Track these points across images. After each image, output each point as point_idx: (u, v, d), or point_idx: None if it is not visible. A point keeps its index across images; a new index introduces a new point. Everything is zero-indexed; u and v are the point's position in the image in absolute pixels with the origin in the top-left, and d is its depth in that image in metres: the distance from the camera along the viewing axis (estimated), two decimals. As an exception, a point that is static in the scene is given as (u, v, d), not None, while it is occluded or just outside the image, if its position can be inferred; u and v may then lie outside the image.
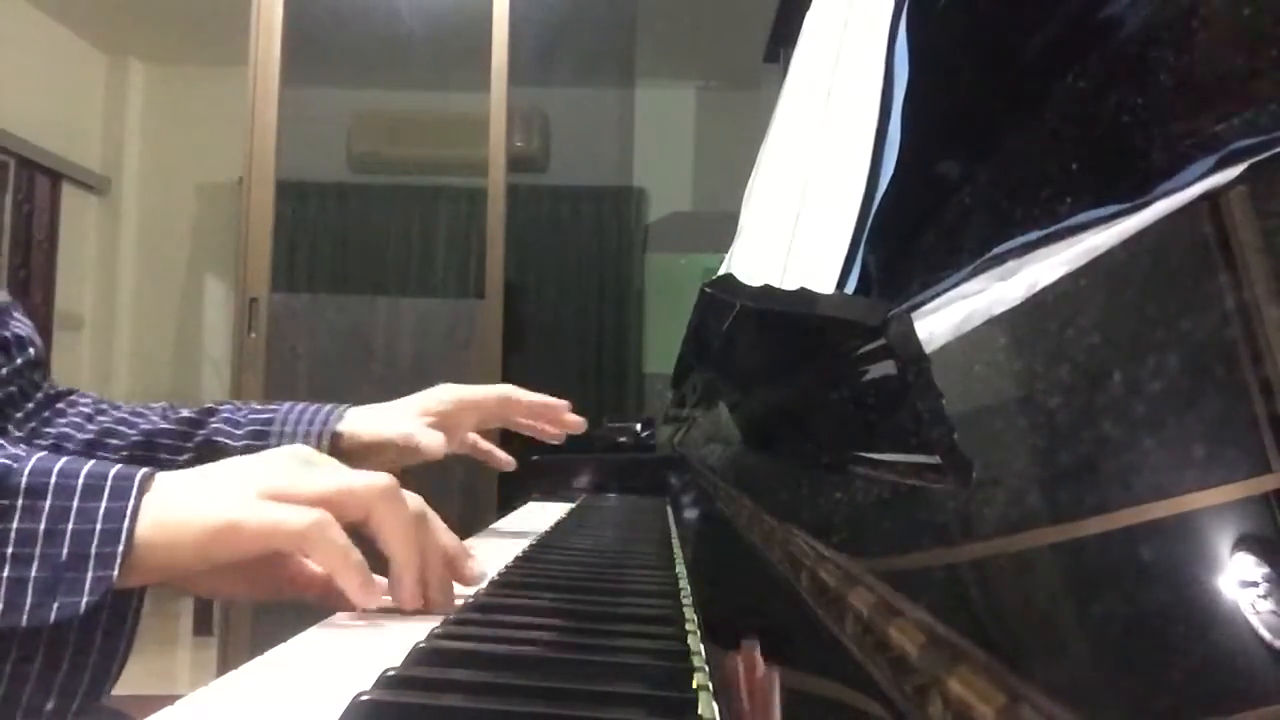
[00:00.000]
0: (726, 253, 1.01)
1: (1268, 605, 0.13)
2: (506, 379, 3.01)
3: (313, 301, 3.19)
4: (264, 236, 2.87)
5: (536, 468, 1.44)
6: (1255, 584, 0.13)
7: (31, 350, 0.69)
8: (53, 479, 0.49)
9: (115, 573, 0.48)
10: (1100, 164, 0.28)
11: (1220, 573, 0.14)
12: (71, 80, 4.63)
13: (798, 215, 0.54)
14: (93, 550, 0.48)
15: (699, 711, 0.34)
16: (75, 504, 0.49)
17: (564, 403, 1.03)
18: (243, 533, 0.50)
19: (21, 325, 0.78)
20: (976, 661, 0.18)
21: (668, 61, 4.45)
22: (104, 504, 0.49)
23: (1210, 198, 0.18)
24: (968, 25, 0.42)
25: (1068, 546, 0.18)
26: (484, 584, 0.59)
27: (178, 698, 0.37)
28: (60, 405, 0.83)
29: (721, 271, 0.94)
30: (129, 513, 0.49)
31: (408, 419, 0.93)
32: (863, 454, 0.35)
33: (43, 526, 0.48)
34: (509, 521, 1.18)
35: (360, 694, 0.34)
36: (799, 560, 0.32)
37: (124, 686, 0.56)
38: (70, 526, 0.48)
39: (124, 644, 0.54)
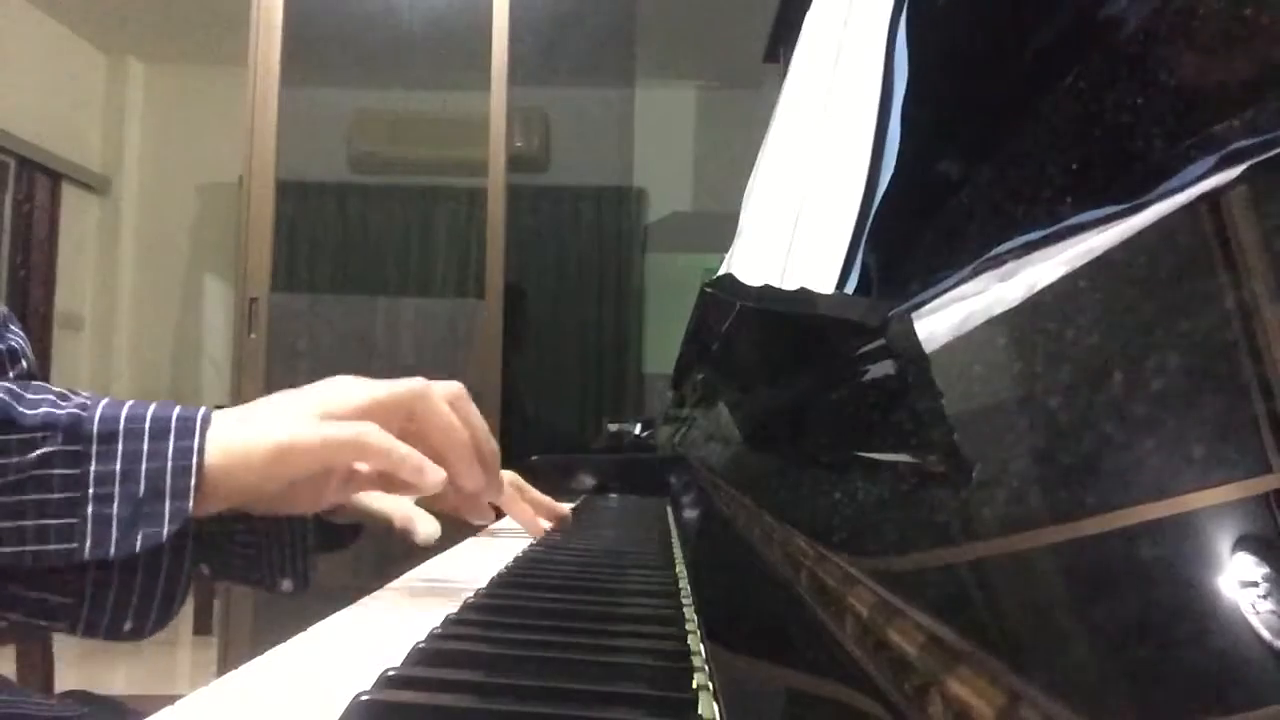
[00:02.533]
0: (726, 253, 1.01)
1: (1268, 605, 0.13)
2: (506, 379, 3.02)
3: (313, 301, 3.19)
4: (264, 236, 2.87)
5: (536, 468, 1.44)
6: (1255, 584, 0.13)
7: (24, 364, 0.70)
8: (121, 424, 0.53)
9: (191, 502, 0.52)
10: (1100, 164, 0.28)
11: (1220, 573, 0.14)
12: (71, 80, 4.63)
13: (798, 215, 0.54)
14: (168, 486, 0.53)
15: (699, 711, 0.34)
16: (146, 445, 0.53)
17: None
18: (299, 451, 0.55)
19: (16, 338, 0.78)
20: (976, 661, 0.18)
21: (668, 61, 4.45)
22: (172, 442, 0.53)
23: (1210, 198, 0.18)
24: (967, 25, 0.42)
25: (1068, 546, 0.18)
26: (484, 584, 0.59)
27: (178, 698, 0.37)
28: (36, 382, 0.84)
29: (721, 271, 0.94)
30: (196, 449, 0.53)
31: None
32: (863, 454, 0.35)
33: (119, 467, 0.52)
34: (509, 521, 1.18)
35: (360, 694, 0.34)
36: (799, 560, 0.32)
37: (124, 686, 0.58)
38: (144, 465, 0.53)
39: (187, 565, 0.58)
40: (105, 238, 4.82)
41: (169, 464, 0.53)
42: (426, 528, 0.87)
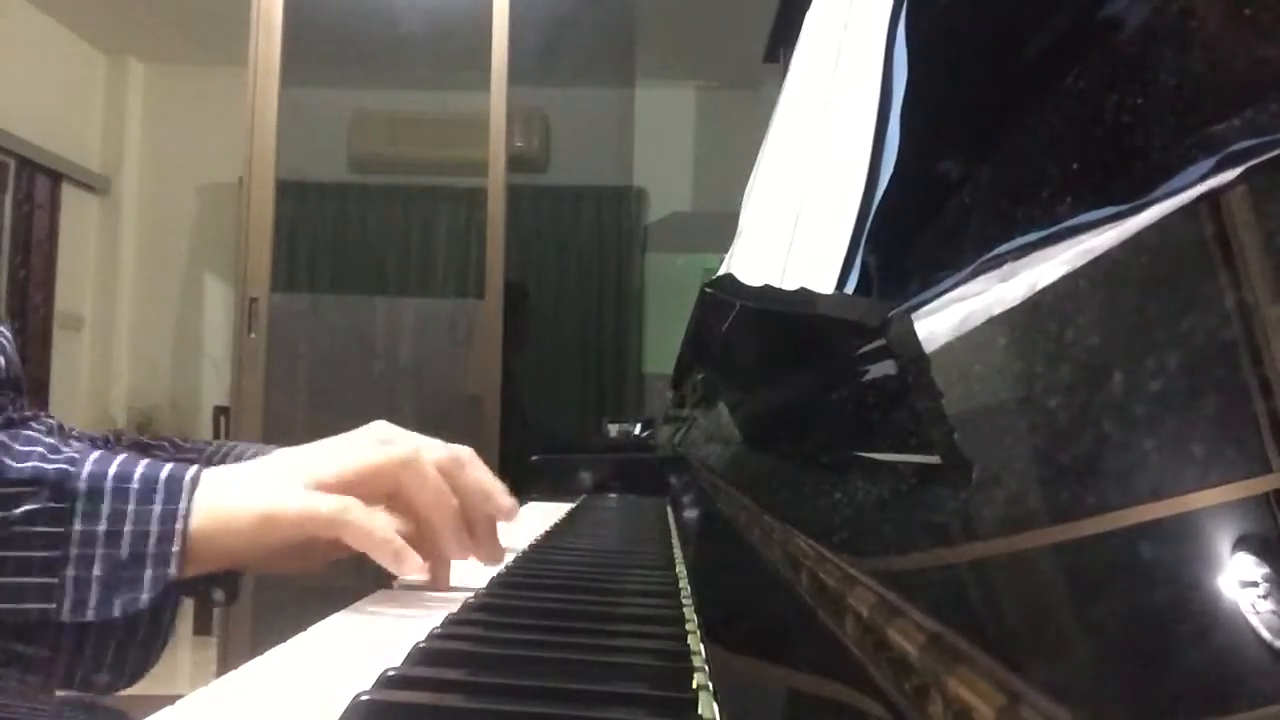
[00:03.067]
0: (726, 253, 1.01)
1: (1268, 605, 0.13)
2: (506, 379, 3.02)
3: (313, 301, 3.19)
4: (264, 236, 2.87)
5: (536, 468, 1.44)
6: (1255, 584, 0.13)
7: (1, 359, 0.69)
8: (109, 482, 0.53)
9: (173, 570, 0.52)
10: (1100, 164, 0.28)
11: (1220, 573, 0.14)
12: (71, 80, 4.63)
13: (798, 215, 0.55)
14: (150, 550, 0.52)
15: (699, 711, 0.34)
16: (131, 506, 0.52)
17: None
18: (280, 523, 0.54)
19: None
20: (976, 661, 0.18)
21: (668, 61, 4.45)
22: (158, 506, 0.53)
23: (1210, 198, 0.18)
24: (967, 25, 0.42)
25: (1068, 546, 0.18)
26: (484, 584, 0.59)
27: (178, 698, 0.37)
28: (21, 431, 0.83)
29: (721, 271, 0.94)
30: (182, 513, 0.53)
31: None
32: (863, 454, 0.35)
33: (103, 528, 0.52)
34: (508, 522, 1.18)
35: (360, 694, 0.34)
36: (799, 560, 0.32)
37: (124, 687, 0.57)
38: (128, 528, 0.52)
39: (169, 619, 0.57)
40: (105, 238, 4.82)
41: (153, 529, 0.52)
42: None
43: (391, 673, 0.37)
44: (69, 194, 4.62)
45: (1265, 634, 0.13)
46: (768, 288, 0.50)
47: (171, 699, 0.37)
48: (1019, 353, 0.26)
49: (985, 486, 0.23)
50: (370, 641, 0.49)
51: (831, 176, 0.47)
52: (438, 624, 0.47)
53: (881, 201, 0.39)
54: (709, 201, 4.40)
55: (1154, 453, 0.17)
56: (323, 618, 0.54)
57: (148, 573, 0.52)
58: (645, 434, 1.91)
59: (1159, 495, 0.16)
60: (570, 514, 1.14)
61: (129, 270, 4.85)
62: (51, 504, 0.52)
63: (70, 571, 0.51)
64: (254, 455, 0.91)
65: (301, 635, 0.50)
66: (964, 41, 0.42)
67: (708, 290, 0.70)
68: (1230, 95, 0.22)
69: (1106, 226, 0.22)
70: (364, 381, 3.01)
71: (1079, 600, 0.17)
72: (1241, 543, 0.14)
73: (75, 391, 4.38)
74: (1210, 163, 0.19)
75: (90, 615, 0.51)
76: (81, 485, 0.52)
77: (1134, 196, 0.21)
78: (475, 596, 0.55)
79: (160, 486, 0.53)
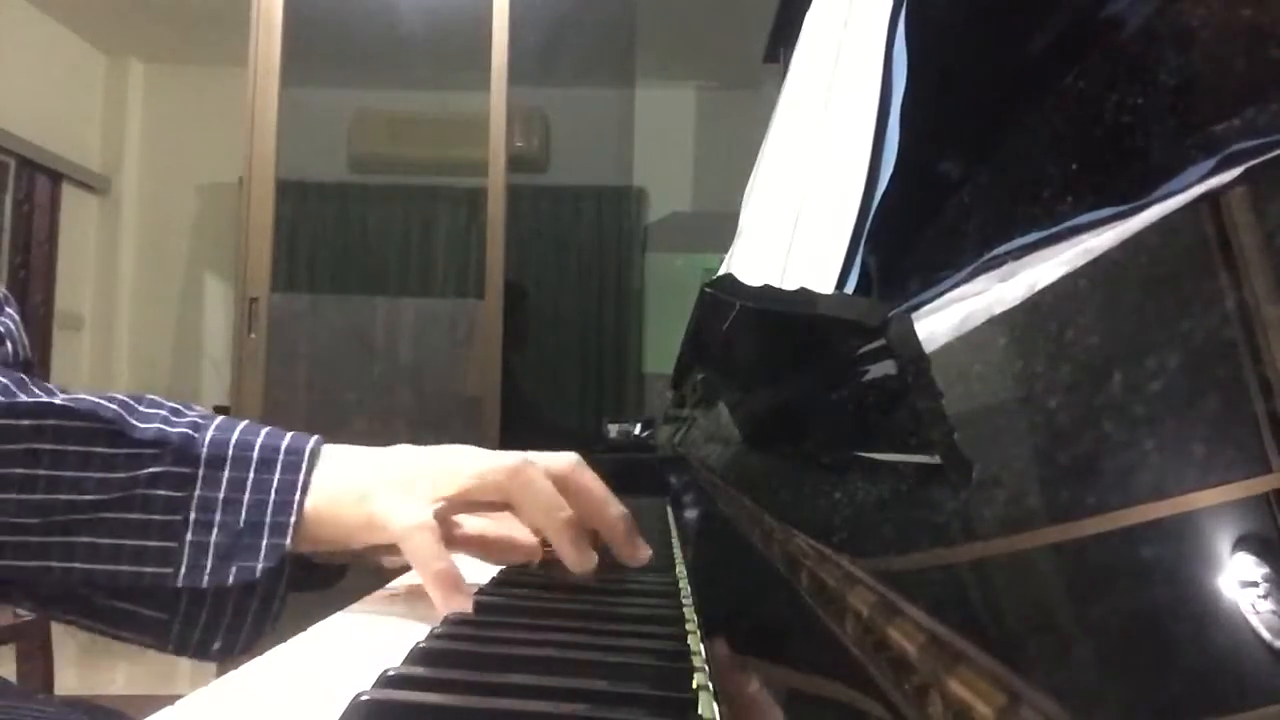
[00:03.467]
0: (726, 253, 1.01)
1: (1268, 605, 0.13)
2: (506, 379, 3.02)
3: (313, 301, 3.19)
4: (264, 236, 2.87)
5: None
6: (1255, 584, 0.13)
7: (10, 346, 0.69)
8: (230, 450, 0.53)
9: (288, 541, 0.52)
10: (1100, 164, 0.28)
11: (1220, 573, 0.14)
12: (71, 80, 4.63)
13: (798, 215, 0.55)
14: (267, 519, 0.52)
15: (699, 711, 0.34)
16: (251, 475, 0.52)
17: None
18: (381, 529, 0.54)
19: (5, 322, 0.77)
20: (976, 661, 0.18)
21: (668, 61, 4.45)
22: (277, 476, 0.53)
23: (1210, 198, 0.18)
24: (967, 25, 0.42)
25: (1068, 546, 0.18)
26: (483, 584, 0.59)
27: (178, 698, 0.37)
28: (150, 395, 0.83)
29: (721, 271, 0.94)
30: (300, 486, 0.53)
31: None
32: (863, 454, 0.35)
33: (222, 494, 0.52)
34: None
35: (360, 694, 0.34)
36: (799, 560, 0.32)
37: (124, 686, 0.57)
38: (247, 496, 0.52)
39: (281, 592, 0.58)
40: (105, 238, 4.82)
41: (271, 498, 0.52)
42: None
43: (391, 673, 0.37)
44: (69, 194, 4.62)
45: (1265, 634, 0.13)
46: (768, 288, 0.50)
47: (171, 699, 0.37)
48: (1019, 353, 0.26)
49: (985, 486, 0.23)
50: (370, 641, 0.49)
51: (831, 176, 0.47)
52: (438, 624, 0.47)
53: (881, 201, 0.39)
54: (709, 201, 4.40)
55: (1154, 453, 0.17)
56: (323, 618, 0.54)
57: (264, 542, 0.51)
58: (645, 434, 1.91)
59: (1159, 495, 0.16)
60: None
61: (129, 270, 4.85)
62: (174, 468, 0.52)
63: (189, 536, 0.51)
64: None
65: (301, 635, 0.50)
66: (964, 41, 0.42)
67: (708, 290, 0.70)
68: (1230, 95, 0.22)
69: (1106, 226, 0.22)
70: (364, 381, 3.01)
71: (1079, 600, 0.17)
72: (1241, 543, 0.14)
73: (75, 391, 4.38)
74: (1210, 163, 0.19)
75: (205, 582, 0.51)
76: (204, 451, 0.52)
77: (1134, 196, 0.21)
78: (475, 596, 0.55)
79: (281, 456, 0.53)
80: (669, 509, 1.18)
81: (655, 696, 0.36)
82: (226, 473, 0.52)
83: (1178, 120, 0.24)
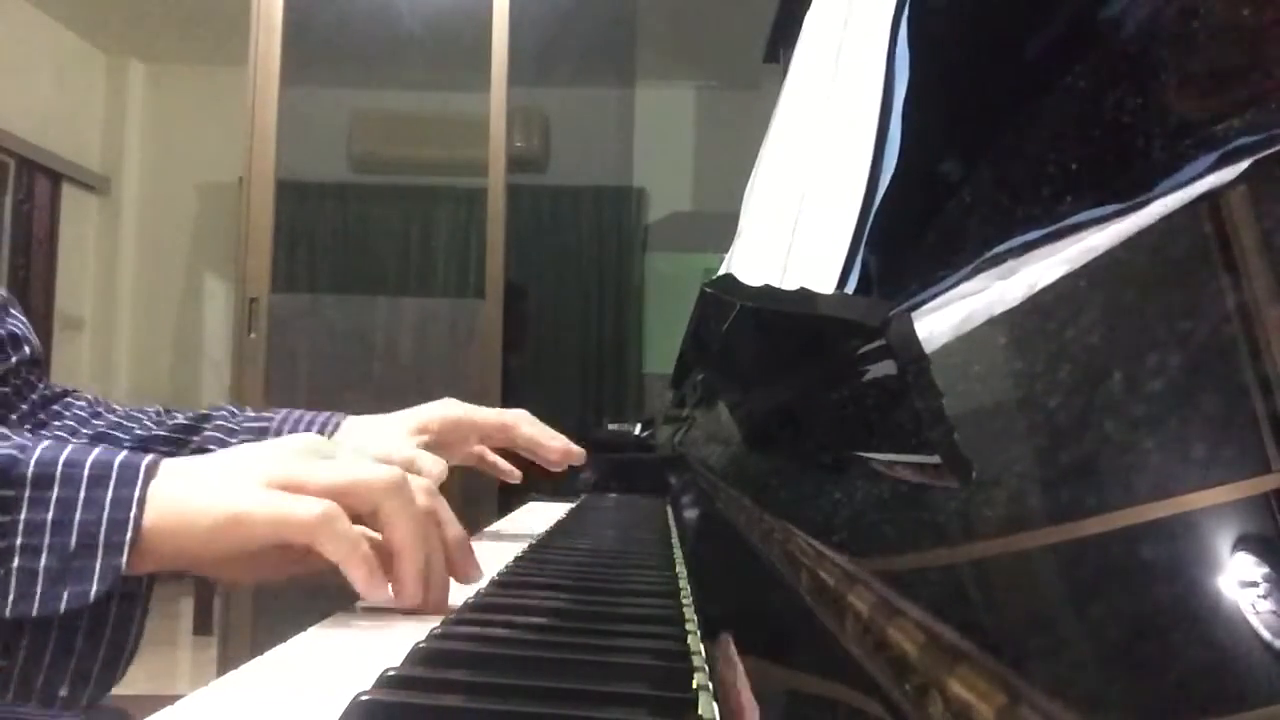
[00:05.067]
0: (726, 253, 1.01)
1: (1268, 605, 0.13)
2: (506, 379, 3.02)
3: (313, 301, 3.19)
4: (264, 236, 2.87)
5: (536, 468, 1.44)
6: (1255, 584, 0.13)
7: (27, 349, 0.68)
8: (59, 469, 0.49)
9: (124, 560, 0.48)
10: (1100, 164, 0.28)
11: (1220, 573, 0.14)
12: (71, 80, 4.63)
13: (798, 215, 0.55)
14: (101, 539, 0.48)
15: (699, 711, 0.34)
16: (82, 493, 0.49)
17: (563, 442, 1.02)
18: (250, 524, 0.50)
19: (17, 324, 0.77)
20: (976, 661, 0.18)
21: (668, 61, 4.45)
22: (110, 493, 0.49)
23: (1210, 198, 0.18)
24: (968, 25, 0.42)
25: (1068, 546, 0.18)
26: (484, 584, 0.59)
27: (178, 698, 0.37)
28: (56, 407, 0.82)
29: (721, 271, 0.94)
30: (135, 500, 0.49)
31: (406, 440, 0.91)
32: (863, 454, 0.35)
33: (50, 516, 0.48)
34: (509, 521, 1.18)
35: (360, 694, 0.34)
36: (799, 560, 0.32)
37: (124, 686, 0.56)
38: (78, 516, 0.48)
39: (135, 630, 0.54)
40: (105, 238, 4.83)
41: (104, 515, 0.48)
42: (434, 466, 0.79)
43: (391, 673, 0.37)
44: (69, 194, 4.62)
45: (1265, 634, 0.13)
46: (768, 288, 0.50)
47: (171, 699, 0.37)
48: (1019, 353, 0.26)
49: (985, 486, 0.23)
50: (371, 641, 0.49)
51: (832, 176, 0.47)
52: (437, 624, 0.47)
53: (882, 201, 0.39)
54: (709, 201, 4.40)
55: (1154, 453, 0.17)
56: (324, 617, 0.54)
57: (98, 563, 0.48)
58: (645, 434, 1.91)
59: (1159, 495, 0.16)
60: (570, 514, 1.14)
61: (129, 270, 4.85)
62: None
63: (15, 562, 0.47)
64: (324, 424, 0.90)
65: (302, 635, 0.50)
66: (965, 41, 0.42)
67: (708, 290, 0.70)
68: (1230, 95, 0.22)
69: (1106, 225, 0.22)
70: (364, 381, 3.01)
71: (1079, 600, 0.17)
72: (1241, 543, 0.14)
73: (75, 391, 4.38)
74: (1210, 162, 0.19)
75: (35, 610, 0.47)
76: (30, 471, 0.48)
77: (1134, 196, 0.21)
78: (475, 596, 0.55)
79: (114, 472, 0.50)
80: (669, 509, 1.18)
81: (655, 696, 0.36)
82: (55, 492, 0.48)
83: (1178, 120, 0.24)
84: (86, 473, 0.49)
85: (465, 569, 0.58)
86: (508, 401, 2.92)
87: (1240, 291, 0.16)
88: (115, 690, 0.55)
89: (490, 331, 2.95)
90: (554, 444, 1.01)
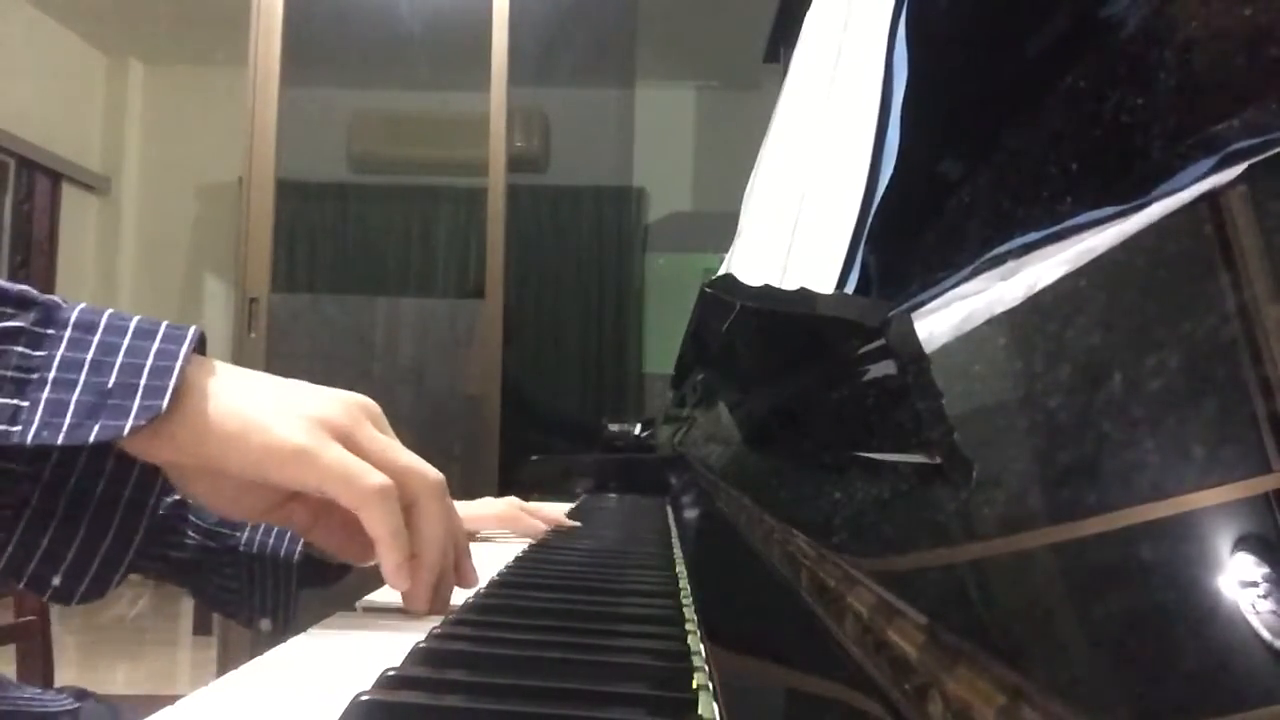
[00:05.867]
0: (726, 253, 1.01)
1: (1268, 605, 0.13)
2: (506, 379, 3.02)
3: (313, 301, 3.19)
4: (264, 236, 2.87)
5: (536, 468, 1.44)
6: (1255, 584, 0.13)
7: None
8: (104, 318, 0.48)
9: (165, 402, 0.46)
10: (1100, 164, 0.28)
11: (1220, 573, 0.14)
12: (71, 80, 4.63)
13: (798, 215, 0.55)
14: (143, 381, 0.46)
15: (699, 711, 0.34)
16: (127, 340, 0.47)
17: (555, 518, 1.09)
18: (309, 465, 0.48)
19: None
20: (976, 661, 0.18)
21: (668, 61, 4.45)
22: (157, 344, 0.47)
23: (1210, 198, 0.18)
24: (967, 25, 0.42)
25: (1068, 546, 0.18)
26: (484, 584, 0.59)
27: (178, 698, 0.37)
28: None
29: (721, 271, 0.94)
30: (182, 354, 0.47)
31: None
32: (863, 454, 0.35)
33: (90, 356, 0.46)
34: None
35: (360, 694, 0.34)
36: (799, 560, 0.32)
37: (124, 686, 0.56)
38: (120, 359, 0.46)
39: (139, 535, 0.53)
40: (105, 238, 4.83)
41: (148, 363, 0.46)
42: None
43: (391, 673, 0.37)
44: (69, 194, 4.62)
45: (1265, 634, 0.13)
46: (768, 288, 0.50)
47: (171, 699, 0.37)
48: (1019, 353, 0.26)
49: (985, 486, 0.23)
50: (371, 641, 0.49)
51: (831, 176, 0.47)
52: (438, 624, 0.47)
53: (882, 201, 0.40)
54: (709, 201, 4.40)
55: (1154, 453, 0.17)
56: (324, 617, 0.54)
57: (136, 402, 0.45)
58: (645, 434, 1.91)
59: (1159, 495, 0.16)
60: (570, 514, 1.14)
61: (129, 270, 4.85)
62: (36, 328, 0.46)
63: (45, 394, 0.45)
64: None
65: (301, 635, 0.50)
66: (964, 41, 0.42)
67: (708, 290, 0.70)
68: (1230, 95, 0.22)
69: (1106, 226, 0.22)
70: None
71: (1079, 600, 0.17)
72: (1241, 543, 0.14)
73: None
74: (1210, 163, 0.19)
75: (60, 439, 0.44)
76: (73, 315, 0.47)
77: (1134, 196, 0.21)
78: (475, 597, 0.55)
79: (161, 328, 0.48)
80: (669, 509, 1.18)
81: (655, 696, 0.36)
82: (98, 337, 0.46)
83: (1178, 120, 0.24)
84: (132, 324, 0.48)
85: (465, 574, 0.58)
86: (508, 401, 2.93)
87: (1240, 292, 0.16)
88: (115, 689, 0.55)
89: (490, 331, 2.95)
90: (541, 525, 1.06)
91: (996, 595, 0.21)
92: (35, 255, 4.43)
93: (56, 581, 0.52)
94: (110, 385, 0.45)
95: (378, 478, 0.49)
